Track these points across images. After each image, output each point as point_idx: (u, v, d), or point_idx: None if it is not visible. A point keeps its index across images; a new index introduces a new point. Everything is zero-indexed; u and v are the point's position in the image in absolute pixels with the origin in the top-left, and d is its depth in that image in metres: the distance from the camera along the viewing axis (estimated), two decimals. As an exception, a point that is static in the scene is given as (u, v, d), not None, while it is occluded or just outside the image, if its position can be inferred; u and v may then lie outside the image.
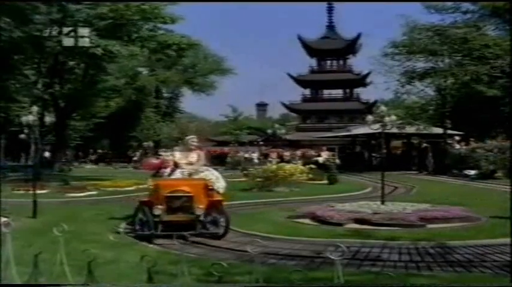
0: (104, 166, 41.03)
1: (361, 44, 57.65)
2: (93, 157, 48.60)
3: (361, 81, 56.85)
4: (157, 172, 9.12)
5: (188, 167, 8.81)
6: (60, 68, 25.91)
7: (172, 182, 8.35)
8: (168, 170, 8.88)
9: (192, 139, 9.27)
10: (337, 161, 31.16)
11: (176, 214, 7.95)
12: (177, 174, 8.72)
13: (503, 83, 26.32)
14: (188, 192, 8.05)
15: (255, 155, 34.58)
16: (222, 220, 8.10)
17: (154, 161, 9.63)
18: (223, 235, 7.95)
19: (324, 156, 28.59)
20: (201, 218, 7.94)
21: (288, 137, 48.83)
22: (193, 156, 8.99)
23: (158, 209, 7.87)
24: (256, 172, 18.14)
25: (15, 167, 27.40)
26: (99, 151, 51.21)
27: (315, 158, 29.24)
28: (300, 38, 58.40)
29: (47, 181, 17.68)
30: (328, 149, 31.87)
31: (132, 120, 47.49)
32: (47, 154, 32.91)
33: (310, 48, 58.92)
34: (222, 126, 60.81)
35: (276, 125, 48.15)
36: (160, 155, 10.15)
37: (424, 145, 30.75)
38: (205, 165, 9.14)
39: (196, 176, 8.65)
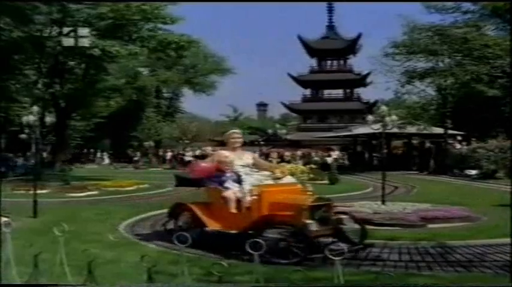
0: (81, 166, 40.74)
1: (362, 44, 57.78)
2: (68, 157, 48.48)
3: (362, 81, 56.87)
4: (208, 178, 7.22)
5: (245, 169, 7.21)
6: (60, 68, 25.92)
7: (279, 189, 6.90)
8: (230, 174, 7.05)
9: (235, 134, 7.52)
10: (346, 161, 31.24)
11: (320, 227, 6.48)
12: (249, 179, 6.97)
13: (504, 83, 26.32)
14: (328, 199, 7.00)
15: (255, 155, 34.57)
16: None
17: (205, 164, 7.47)
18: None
19: (333, 156, 28.55)
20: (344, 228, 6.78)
21: (288, 137, 48.90)
22: (247, 157, 7.45)
23: (314, 224, 6.24)
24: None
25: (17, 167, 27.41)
26: (76, 150, 50.81)
27: (325, 158, 29.21)
28: (300, 38, 58.43)
29: (47, 181, 17.68)
30: (338, 150, 31.94)
31: (133, 120, 47.54)
32: (44, 154, 32.92)
33: (310, 48, 58.94)
34: (222, 126, 60.86)
35: (277, 125, 48.24)
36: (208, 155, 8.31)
37: (428, 145, 30.77)
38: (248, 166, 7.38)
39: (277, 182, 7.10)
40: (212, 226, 6.98)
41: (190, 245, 6.65)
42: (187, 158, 37.54)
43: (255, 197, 6.61)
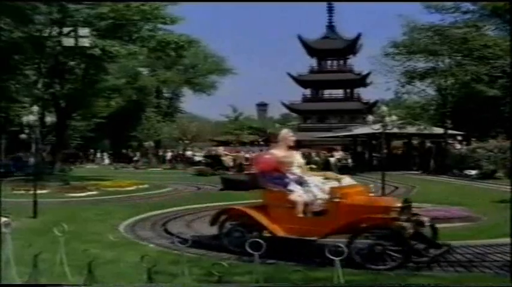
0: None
1: (362, 44, 57.75)
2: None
3: (362, 81, 56.84)
4: (268, 180, 6.73)
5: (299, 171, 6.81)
6: (60, 68, 25.88)
7: (355, 191, 6.61)
8: (292, 176, 6.63)
9: (289, 134, 7.23)
10: (350, 161, 31.12)
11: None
12: (315, 181, 6.62)
13: (504, 83, 26.32)
14: (410, 201, 6.65)
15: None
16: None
17: (268, 156, 7.02)
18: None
19: (336, 156, 28.39)
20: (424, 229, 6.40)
21: (288, 137, 48.66)
22: (299, 157, 7.07)
23: (410, 226, 6.01)
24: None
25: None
26: (66, 151, 50.57)
27: (327, 158, 29.12)
28: (300, 38, 58.40)
29: (47, 181, 17.67)
30: (341, 150, 31.78)
31: (133, 120, 47.49)
32: (44, 154, 32.92)
33: (310, 48, 58.92)
34: (222, 126, 60.85)
35: (277, 125, 48.16)
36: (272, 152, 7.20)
37: (428, 145, 30.76)
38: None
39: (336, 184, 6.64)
40: (275, 231, 6.50)
41: (245, 253, 6.51)
42: (197, 158, 37.58)
43: (334, 200, 6.23)
